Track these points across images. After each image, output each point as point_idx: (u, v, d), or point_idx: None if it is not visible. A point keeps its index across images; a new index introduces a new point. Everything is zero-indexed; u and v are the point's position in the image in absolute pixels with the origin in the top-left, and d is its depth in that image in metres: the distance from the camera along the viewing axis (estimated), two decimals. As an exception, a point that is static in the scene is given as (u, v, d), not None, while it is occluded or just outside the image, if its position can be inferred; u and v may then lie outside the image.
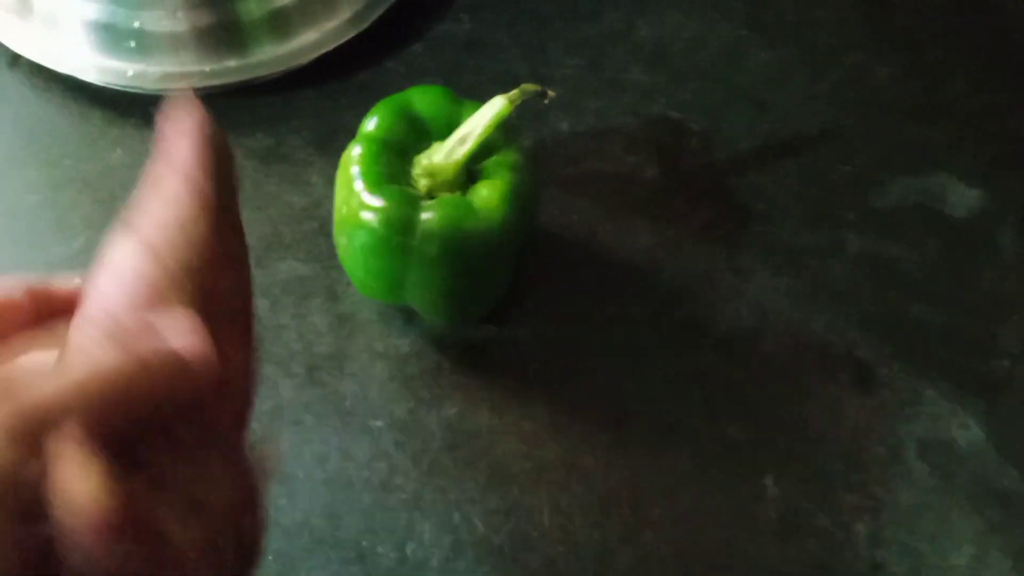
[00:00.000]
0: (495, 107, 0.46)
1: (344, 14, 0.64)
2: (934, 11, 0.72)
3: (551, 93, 0.51)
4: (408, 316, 0.53)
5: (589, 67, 0.66)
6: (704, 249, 0.57)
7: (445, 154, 0.47)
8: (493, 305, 0.52)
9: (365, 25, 0.64)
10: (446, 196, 0.47)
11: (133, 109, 0.60)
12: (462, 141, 0.47)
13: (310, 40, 0.62)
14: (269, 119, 0.61)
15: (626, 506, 0.47)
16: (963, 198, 0.61)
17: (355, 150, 0.48)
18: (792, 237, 0.58)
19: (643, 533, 0.46)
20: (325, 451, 0.49)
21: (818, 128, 0.64)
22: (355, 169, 0.47)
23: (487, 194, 0.47)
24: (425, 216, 0.45)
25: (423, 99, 0.50)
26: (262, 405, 0.50)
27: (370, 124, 0.49)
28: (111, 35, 0.59)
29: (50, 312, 0.28)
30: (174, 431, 0.24)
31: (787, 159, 0.63)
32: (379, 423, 0.50)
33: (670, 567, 0.45)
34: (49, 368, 0.23)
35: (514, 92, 0.49)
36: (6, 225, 0.55)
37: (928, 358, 0.54)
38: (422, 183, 0.47)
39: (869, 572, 0.46)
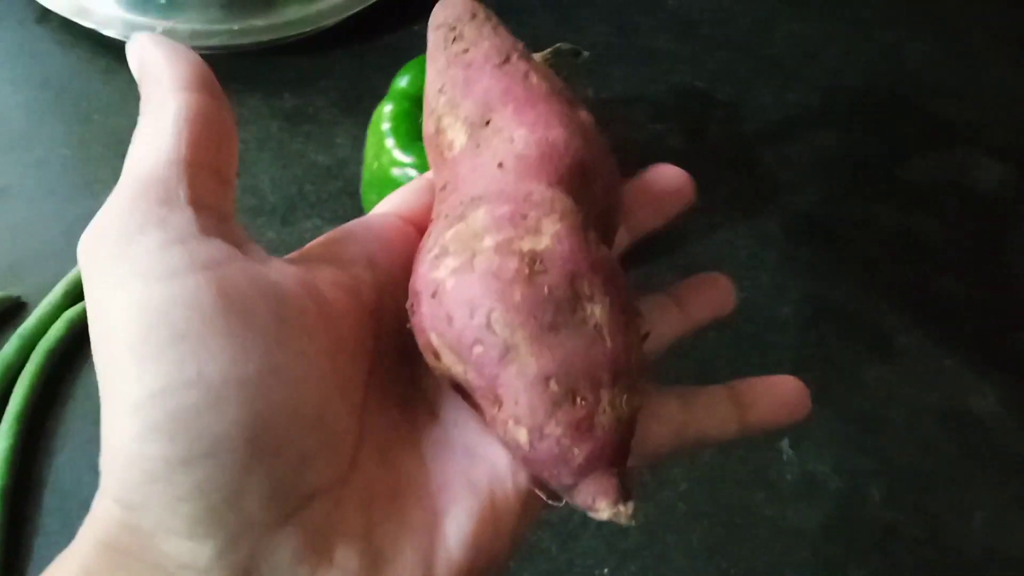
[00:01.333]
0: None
1: (372, -25, 0.64)
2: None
3: (585, 53, 0.51)
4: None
5: (619, 34, 0.66)
6: (728, 217, 0.57)
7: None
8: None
9: (394, -13, 0.64)
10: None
11: (162, 66, 0.61)
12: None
13: (338, 1, 0.63)
14: (296, 79, 0.61)
15: (643, 464, 0.47)
16: (991, 173, 0.61)
17: (387, 107, 0.48)
18: (816, 207, 0.58)
19: (660, 491, 0.46)
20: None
21: (847, 102, 0.64)
22: (386, 126, 0.47)
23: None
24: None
25: (454, 59, 0.50)
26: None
27: (402, 81, 0.49)
28: (142, -10, 0.60)
29: None
30: None
31: (815, 132, 0.62)
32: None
33: (686, 526, 0.45)
34: None
35: (547, 51, 0.49)
36: (37, 177, 0.56)
37: (949, 328, 0.53)
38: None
39: (883, 534, 0.46)
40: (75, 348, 0.48)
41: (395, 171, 0.46)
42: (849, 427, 0.49)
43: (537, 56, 0.49)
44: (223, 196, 0.23)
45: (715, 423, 0.28)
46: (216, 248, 0.21)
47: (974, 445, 0.49)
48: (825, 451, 0.48)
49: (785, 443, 0.48)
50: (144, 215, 0.21)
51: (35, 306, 0.49)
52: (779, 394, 0.29)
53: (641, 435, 0.26)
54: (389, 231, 0.27)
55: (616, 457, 0.22)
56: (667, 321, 0.30)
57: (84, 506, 0.21)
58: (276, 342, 0.21)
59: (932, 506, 0.47)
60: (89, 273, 0.21)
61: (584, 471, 0.22)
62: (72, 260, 0.51)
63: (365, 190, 0.50)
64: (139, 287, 0.20)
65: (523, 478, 0.24)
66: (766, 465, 0.48)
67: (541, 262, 0.21)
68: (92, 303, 0.21)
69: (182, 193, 0.22)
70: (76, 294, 0.50)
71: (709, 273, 0.31)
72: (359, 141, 0.49)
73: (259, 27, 0.61)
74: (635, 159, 0.59)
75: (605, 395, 0.22)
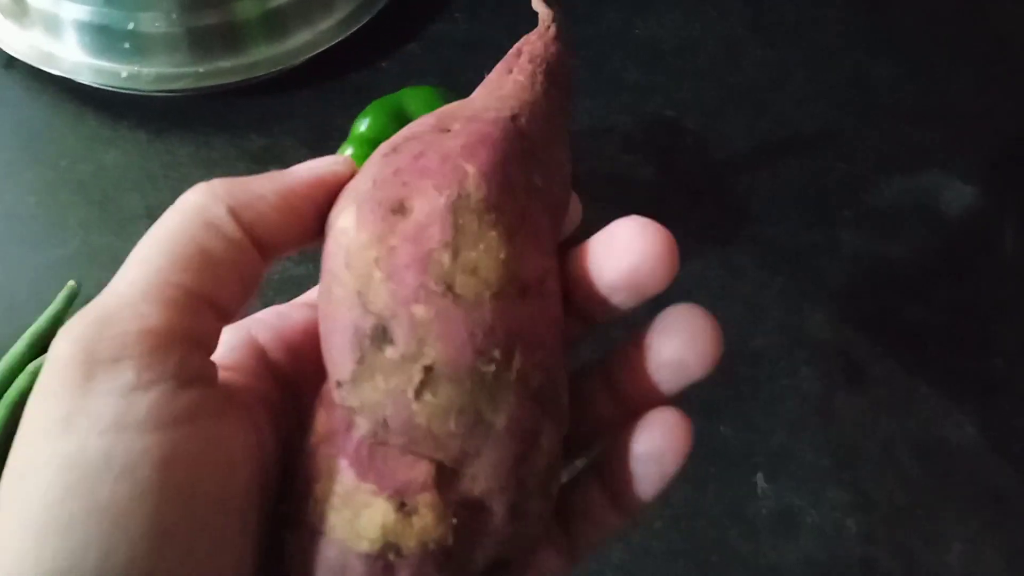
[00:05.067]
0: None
1: (339, 14, 0.64)
2: (932, 13, 0.72)
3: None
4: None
5: (587, 66, 0.66)
6: (699, 248, 0.57)
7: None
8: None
9: (359, 25, 0.64)
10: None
11: (128, 110, 0.60)
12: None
13: (305, 40, 0.63)
14: (263, 119, 0.61)
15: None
16: (959, 197, 0.61)
17: (347, 151, 0.48)
18: (788, 237, 0.58)
19: (634, 532, 0.46)
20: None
21: (815, 128, 0.64)
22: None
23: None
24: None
25: (415, 100, 0.50)
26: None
27: (362, 125, 0.49)
28: (105, 37, 0.59)
29: None
30: None
31: (784, 159, 0.62)
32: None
33: (661, 565, 0.45)
34: None
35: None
36: (3, 226, 0.55)
37: (922, 357, 0.53)
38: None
39: (860, 569, 0.45)
40: (41, 400, 0.48)
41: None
42: (824, 459, 0.49)
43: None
44: (216, 334, 0.22)
45: (600, 529, 0.25)
46: (165, 404, 0.20)
47: (950, 475, 0.49)
48: (801, 484, 0.48)
49: (760, 477, 0.48)
50: (102, 351, 0.20)
51: (1, 356, 0.49)
52: (650, 454, 0.24)
53: (602, 524, 0.25)
54: (299, 332, 0.26)
55: None
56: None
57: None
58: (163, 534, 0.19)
59: (909, 539, 0.46)
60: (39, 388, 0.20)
61: None
62: (38, 310, 0.50)
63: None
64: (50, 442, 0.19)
65: None
66: (741, 500, 0.47)
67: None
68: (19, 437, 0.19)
69: (179, 324, 0.20)
70: (42, 346, 0.49)
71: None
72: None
73: (225, 69, 0.61)
74: (607, 192, 0.59)
75: None
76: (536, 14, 0.28)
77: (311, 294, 0.27)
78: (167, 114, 0.61)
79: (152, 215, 0.55)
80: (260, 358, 0.25)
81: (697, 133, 0.63)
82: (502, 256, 0.21)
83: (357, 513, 0.20)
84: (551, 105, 0.25)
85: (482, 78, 0.27)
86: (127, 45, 0.59)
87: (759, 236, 0.58)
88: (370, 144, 0.48)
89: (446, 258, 0.20)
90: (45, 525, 0.18)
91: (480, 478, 0.21)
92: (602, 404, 0.25)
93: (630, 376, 0.24)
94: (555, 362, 0.22)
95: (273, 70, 0.61)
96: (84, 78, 0.60)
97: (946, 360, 0.53)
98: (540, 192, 0.23)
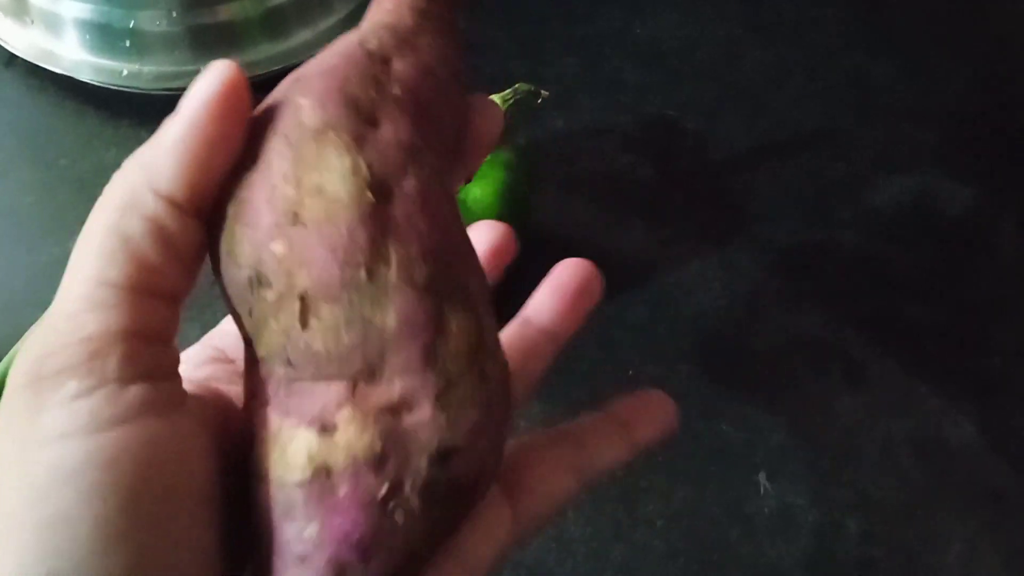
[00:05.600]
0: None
1: (338, 13, 0.64)
2: (931, 13, 0.72)
3: (544, 93, 0.51)
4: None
5: (586, 66, 0.66)
6: (699, 248, 0.57)
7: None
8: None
9: (359, 24, 0.64)
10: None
11: (128, 109, 0.60)
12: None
13: (305, 39, 0.63)
14: (264, 118, 0.61)
15: (618, 503, 0.47)
16: (957, 197, 0.61)
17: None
18: (786, 236, 0.58)
19: (635, 530, 0.46)
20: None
21: (814, 128, 0.65)
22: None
23: (479, 193, 0.47)
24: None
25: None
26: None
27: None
28: (106, 35, 0.59)
29: None
30: None
31: (782, 158, 0.63)
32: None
33: (662, 563, 0.45)
34: None
35: (507, 92, 0.49)
36: (2, 224, 0.55)
37: (921, 356, 0.54)
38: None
39: (860, 568, 0.46)
40: (42, 399, 0.48)
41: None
42: (824, 459, 0.49)
43: (496, 97, 0.49)
44: (167, 320, 0.21)
45: (609, 454, 0.28)
46: (124, 401, 0.20)
47: (949, 475, 0.49)
48: (801, 484, 0.48)
49: (762, 476, 0.48)
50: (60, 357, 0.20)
51: (1, 358, 0.49)
52: (653, 410, 0.29)
53: (548, 492, 0.26)
54: None
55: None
56: (613, 447, 0.28)
57: None
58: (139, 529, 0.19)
59: (908, 539, 0.47)
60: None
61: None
62: (37, 309, 0.50)
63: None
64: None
65: None
66: (742, 499, 0.47)
67: None
68: None
69: (113, 324, 0.20)
70: (43, 344, 0.49)
71: (648, 391, 0.30)
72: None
73: (226, 67, 0.60)
74: (606, 192, 0.59)
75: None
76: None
77: None
78: (167, 112, 0.60)
79: (152, 214, 0.55)
80: (228, 366, 0.25)
81: (696, 133, 0.63)
82: (347, 165, 0.21)
83: (284, 449, 0.21)
84: (418, 25, 0.25)
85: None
86: (127, 43, 0.59)
87: (758, 235, 0.58)
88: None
89: (290, 190, 0.21)
90: (4, 542, 0.19)
91: (395, 380, 0.21)
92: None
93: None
94: (446, 250, 0.22)
95: (273, 69, 0.61)
96: (84, 76, 0.60)
97: (945, 360, 0.54)
98: (401, 100, 0.23)
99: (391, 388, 0.21)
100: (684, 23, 0.70)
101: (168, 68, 0.60)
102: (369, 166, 0.21)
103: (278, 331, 0.21)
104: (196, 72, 0.21)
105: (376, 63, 0.23)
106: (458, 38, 0.26)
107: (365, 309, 0.21)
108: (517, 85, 0.49)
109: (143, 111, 0.60)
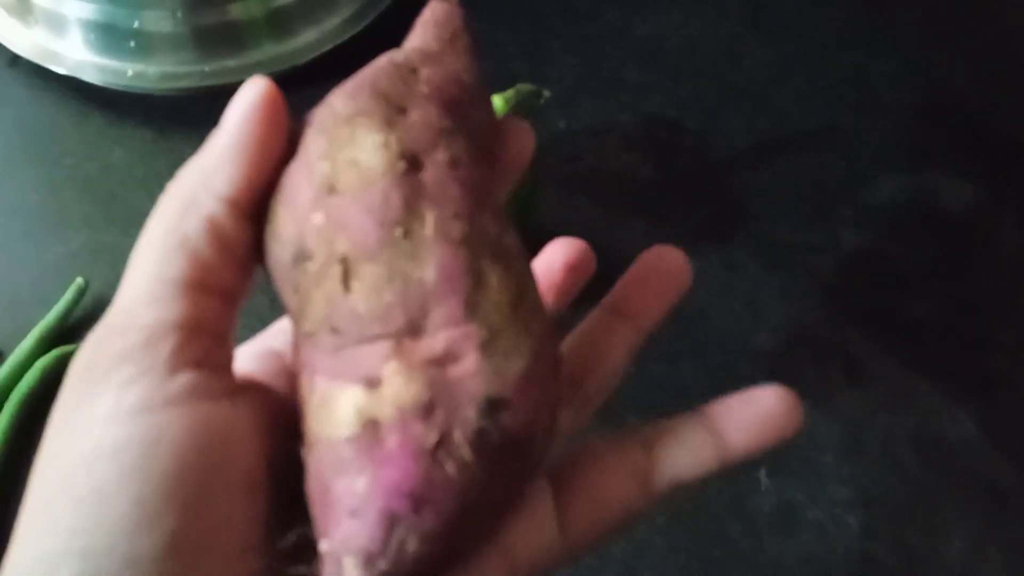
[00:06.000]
0: (490, 106, 0.47)
1: (343, 13, 0.64)
2: (932, 11, 0.72)
3: (546, 93, 0.51)
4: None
5: (587, 65, 0.67)
6: (699, 246, 0.57)
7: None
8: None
9: (364, 24, 0.64)
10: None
11: (132, 109, 0.61)
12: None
13: (309, 39, 0.63)
14: (268, 118, 0.61)
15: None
16: (958, 194, 0.61)
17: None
18: (787, 234, 0.59)
19: (637, 527, 0.46)
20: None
21: (815, 126, 0.65)
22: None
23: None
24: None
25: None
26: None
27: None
28: (110, 35, 0.60)
29: None
30: None
31: (783, 157, 0.63)
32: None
33: (663, 559, 0.45)
34: None
35: (509, 92, 0.49)
36: (7, 224, 0.55)
37: (922, 353, 0.54)
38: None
39: (861, 565, 0.46)
40: (49, 397, 0.47)
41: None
42: (825, 456, 0.49)
43: (497, 97, 0.49)
44: (221, 315, 0.23)
45: (689, 461, 0.25)
46: (176, 387, 0.21)
47: (950, 471, 0.49)
48: (802, 480, 0.48)
49: (762, 473, 0.48)
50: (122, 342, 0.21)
51: (8, 355, 0.49)
52: (761, 411, 0.25)
53: (600, 497, 0.24)
54: None
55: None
56: (693, 454, 0.25)
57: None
58: (185, 513, 0.20)
59: (909, 535, 0.47)
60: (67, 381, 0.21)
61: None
62: (43, 307, 0.51)
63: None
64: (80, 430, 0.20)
65: None
66: (743, 496, 0.48)
67: None
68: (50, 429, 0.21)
69: (169, 315, 0.21)
70: (50, 342, 0.49)
71: (762, 388, 0.26)
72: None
73: (230, 68, 0.61)
74: (607, 191, 0.59)
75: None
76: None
77: None
78: (172, 113, 0.61)
79: (157, 213, 0.56)
80: (279, 363, 0.26)
81: (697, 131, 0.64)
82: (378, 141, 0.22)
83: (331, 410, 0.21)
84: (442, 48, 0.27)
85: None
86: (132, 44, 0.60)
87: (759, 234, 0.58)
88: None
89: (326, 165, 0.22)
90: (40, 517, 0.20)
91: (438, 332, 0.21)
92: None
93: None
94: (480, 213, 0.23)
95: (278, 69, 0.61)
96: (89, 76, 0.60)
97: (946, 357, 0.54)
98: (430, 95, 0.24)
99: (435, 341, 0.21)
100: (685, 22, 0.70)
101: (172, 68, 0.60)
102: (399, 141, 0.22)
103: (322, 301, 0.21)
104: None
105: (404, 70, 0.24)
106: (479, 59, 0.27)
107: (404, 265, 0.21)
108: (518, 86, 0.50)
109: (148, 111, 0.61)
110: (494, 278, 0.22)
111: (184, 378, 0.21)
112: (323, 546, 0.21)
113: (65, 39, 0.61)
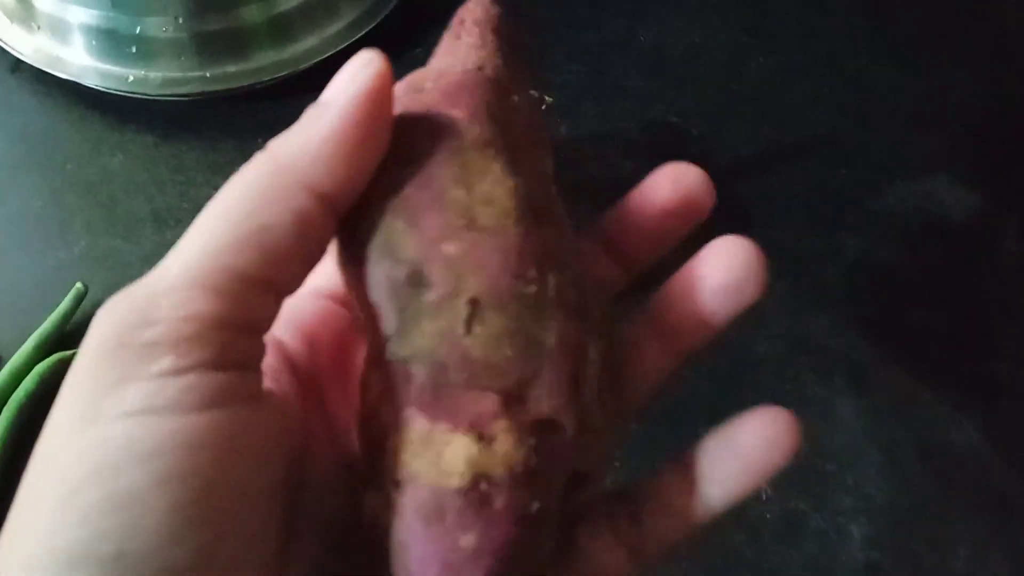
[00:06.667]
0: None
1: (345, 19, 0.64)
2: (933, 18, 0.72)
3: (548, 99, 0.51)
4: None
5: (590, 73, 0.66)
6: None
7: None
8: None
9: (365, 30, 0.64)
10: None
11: (134, 114, 0.61)
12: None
13: (311, 45, 0.63)
14: (269, 124, 0.61)
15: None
16: (961, 202, 0.61)
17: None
18: (791, 242, 0.58)
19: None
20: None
21: (817, 133, 0.65)
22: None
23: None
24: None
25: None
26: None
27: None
28: (112, 41, 0.60)
29: None
30: None
31: (786, 164, 0.63)
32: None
33: (666, 569, 0.45)
34: None
35: (511, 97, 0.49)
36: (8, 230, 0.55)
37: (925, 361, 0.54)
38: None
39: (865, 574, 0.45)
40: (48, 402, 0.47)
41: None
42: (828, 464, 0.49)
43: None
44: (271, 314, 0.21)
45: (676, 525, 0.24)
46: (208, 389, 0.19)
47: (954, 479, 0.49)
48: (805, 489, 0.48)
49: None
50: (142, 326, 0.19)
51: (7, 360, 0.49)
52: (744, 450, 0.24)
53: (594, 572, 0.24)
54: (312, 323, 0.25)
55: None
56: (687, 515, 0.25)
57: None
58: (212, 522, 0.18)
59: (913, 544, 0.47)
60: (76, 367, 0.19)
61: None
62: (43, 313, 0.50)
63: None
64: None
65: None
66: (746, 505, 0.47)
67: None
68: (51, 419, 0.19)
69: (225, 311, 0.19)
70: (48, 347, 0.49)
71: (751, 414, 0.25)
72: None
73: (231, 73, 0.61)
74: (609, 198, 0.59)
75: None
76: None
77: (314, 281, 0.24)
78: (173, 118, 0.61)
79: (158, 219, 0.56)
80: (281, 353, 0.24)
81: (700, 139, 0.64)
82: (511, 185, 0.22)
83: (439, 453, 0.20)
84: (506, 58, 0.25)
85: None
86: (134, 49, 0.60)
87: (762, 241, 0.58)
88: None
89: (461, 194, 0.21)
90: (63, 512, 0.18)
91: (543, 398, 0.21)
92: (653, 350, 0.25)
93: (680, 312, 0.25)
94: (583, 279, 0.22)
95: (279, 75, 0.61)
96: (91, 82, 0.60)
97: (949, 364, 0.54)
98: (522, 129, 0.23)
99: (540, 405, 0.21)
100: (688, 30, 0.70)
101: (174, 74, 0.60)
102: (525, 187, 0.22)
103: (434, 333, 0.20)
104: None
105: (497, 89, 0.23)
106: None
107: (529, 323, 0.21)
108: (522, 91, 0.50)
109: (149, 117, 0.61)
110: (593, 354, 0.22)
111: (226, 377, 0.19)
112: None
113: (68, 45, 0.61)
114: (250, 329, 0.20)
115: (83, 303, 0.51)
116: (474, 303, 0.20)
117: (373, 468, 0.21)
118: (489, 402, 0.20)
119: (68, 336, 0.50)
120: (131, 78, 0.60)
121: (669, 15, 0.71)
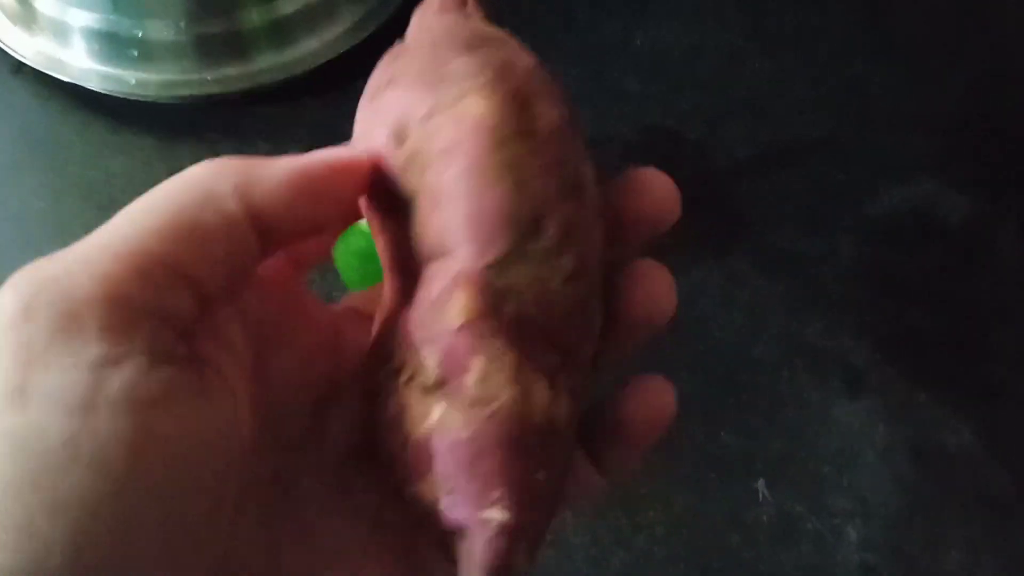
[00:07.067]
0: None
1: (345, 23, 0.64)
2: (931, 21, 0.73)
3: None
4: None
5: (588, 76, 0.67)
6: (699, 256, 0.58)
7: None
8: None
9: (366, 34, 0.64)
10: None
11: (135, 117, 0.61)
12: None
13: (311, 48, 0.63)
14: (270, 128, 0.61)
15: (619, 509, 0.47)
16: (957, 205, 0.61)
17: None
18: (787, 244, 0.59)
19: (636, 536, 0.46)
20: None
21: (815, 137, 0.65)
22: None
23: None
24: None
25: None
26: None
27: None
28: (114, 44, 0.60)
29: None
30: None
31: (783, 167, 0.63)
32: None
33: (662, 570, 0.45)
34: None
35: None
36: (10, 231, 0.56)
37: (921, 363, 0.54)
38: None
39: (860, 575, 0.46)
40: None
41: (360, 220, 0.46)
42: (824, 466, 0.49)
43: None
44: (195, 315, 0.20)
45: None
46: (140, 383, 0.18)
47: (949, 482, 0.49)
48: (800, 491, 0.48)
49: (761, 483, 0.48)
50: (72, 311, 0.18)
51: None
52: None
53: None
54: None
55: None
56: None
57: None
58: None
59: (908, 546, 0.47)
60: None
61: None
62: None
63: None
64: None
65: None
66: (742, 506, 0.48)
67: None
68: None
69: (152, 296, 0.19)
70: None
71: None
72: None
73: (232, 76, 0.61)
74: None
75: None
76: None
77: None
78: (174, 121, 0.61)
79: (159, 221, 0.56)
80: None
81: (697, 142, 0.64)
82: (586, 168, 0.24)
83: (528, 390, 0.21)
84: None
85: None
86: (135, 52, 0.60)
87: (759, 244, 0.59)
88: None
89: (571, 168, 0.23)
90: (2, 521, 0.16)
91: (574, 372, 0.22)
92: None
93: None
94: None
95: (280, 78, 0.62)
96: (92, 84, 0.60)
97: (945, 367, 0.54)
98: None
99: (571, 379, 0.23)
100: (685, 33, 0.70)
101: (175, 77, 0.61)
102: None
103: (530, 277, 0.22)
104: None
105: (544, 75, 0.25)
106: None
107: (594, 300, 0.23)
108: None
109: (150, 119, 0.61)
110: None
111: (168, 371, 0.18)
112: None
113: (69, 47, 0.61)
114: (170, 323, 0.19)
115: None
116: (577, 262, 0.22)
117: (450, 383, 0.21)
118: (552, 358, 0.22)
119: (69, 338, 0.50)
120: (132, 81, 0.60)
121: (666, 18, 0.71)
